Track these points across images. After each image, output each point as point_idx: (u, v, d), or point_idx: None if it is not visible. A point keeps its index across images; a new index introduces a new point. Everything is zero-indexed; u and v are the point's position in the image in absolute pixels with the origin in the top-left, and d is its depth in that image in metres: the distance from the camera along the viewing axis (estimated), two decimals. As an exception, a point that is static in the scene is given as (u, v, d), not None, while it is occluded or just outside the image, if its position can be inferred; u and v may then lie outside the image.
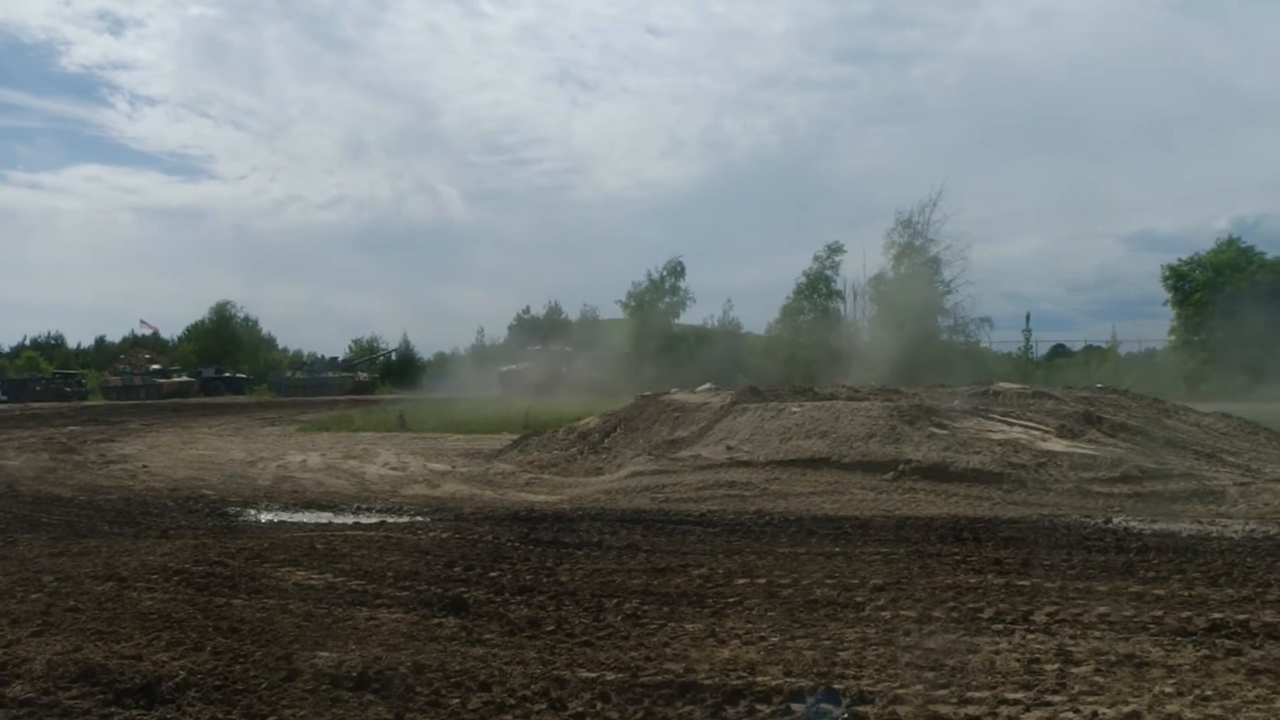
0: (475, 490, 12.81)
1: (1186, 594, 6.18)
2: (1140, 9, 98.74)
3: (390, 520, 9.97)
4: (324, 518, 10.47)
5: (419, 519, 10.01)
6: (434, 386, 51.28)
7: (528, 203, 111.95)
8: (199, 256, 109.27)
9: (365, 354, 66.62)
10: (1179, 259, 49.59)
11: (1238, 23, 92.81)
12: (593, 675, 4.66)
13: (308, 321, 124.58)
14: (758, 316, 68.48)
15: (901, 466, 11.91)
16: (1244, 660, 4.78)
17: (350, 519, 10.31)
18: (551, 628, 5.60)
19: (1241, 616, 5.56)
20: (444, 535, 8.68)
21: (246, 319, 73.50)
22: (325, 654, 4.98)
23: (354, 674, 4.64)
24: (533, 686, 4.52)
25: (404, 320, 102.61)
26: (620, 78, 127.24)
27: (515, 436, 18.27)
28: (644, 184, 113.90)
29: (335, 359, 61.02)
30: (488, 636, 5.43)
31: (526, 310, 64.47)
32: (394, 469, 15.09)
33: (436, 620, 5.77)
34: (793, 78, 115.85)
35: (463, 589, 6.55)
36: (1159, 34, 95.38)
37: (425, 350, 70.93)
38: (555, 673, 4.71)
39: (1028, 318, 54.91)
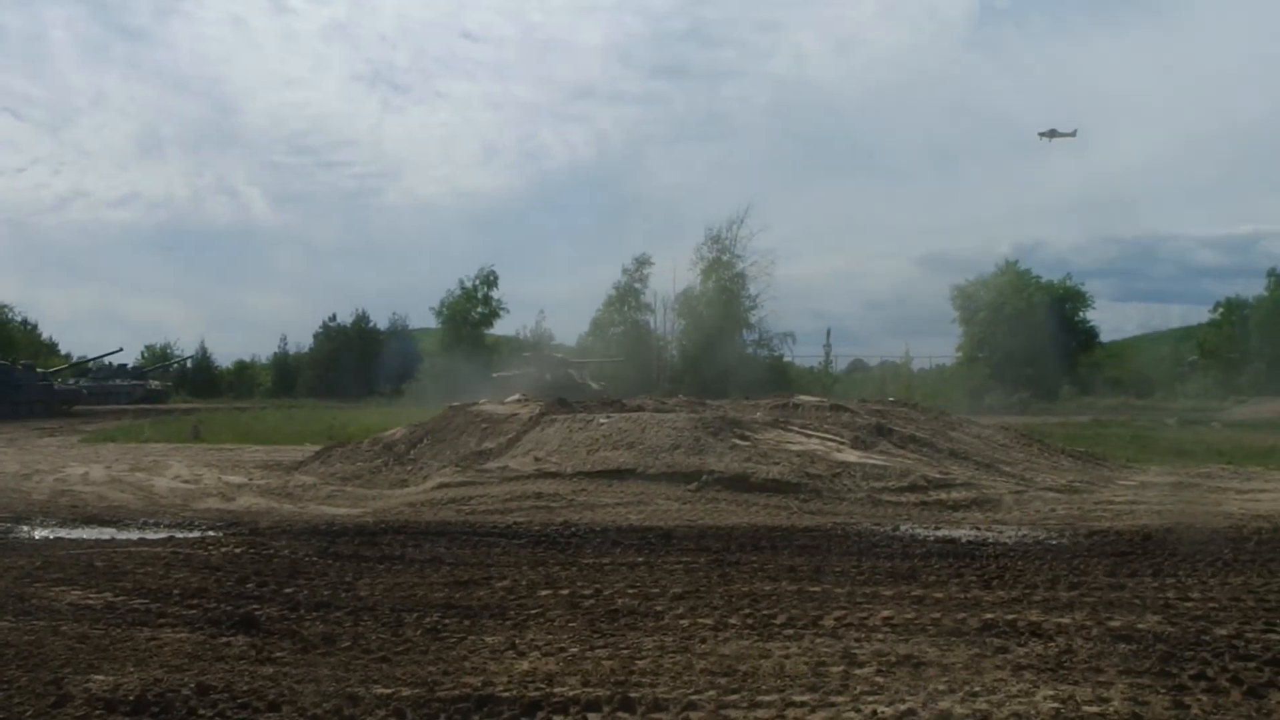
0: (273, 503, 12.37)
1: (963, 596, 6.56)
2: (934, 42, 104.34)
3: (179, 535, 9.51)
4: (106, 534, 9.89)
5: (211, 534, 9.59)
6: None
7: (336, 206, 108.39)
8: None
9: (158, 361, 63.21)
10: (966, 280, 52.68)
11: (1018, 60, 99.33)
12: (388, 691, 4.58)
13: (94, 326, 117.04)
14: (570, 328, 68.76)
15: (705, 477, 12.17)
16: (1010, 657, 5.11)
17: (135, 534, 9.79)
18: (347, 644, 5.47)
19: (1010, 616, 5.94)
20: (237, 550, 8.34)
21: (24, 322, 68.55)
22: (100, 677, 4.71)
23: (131, 698, 4.41)
24: (325, 705, 4.40)
25: (201, 326, 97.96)
26: (434, 82, 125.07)
27: (318, 448, 17.73)
28: (457, 191, 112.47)
29: (124, 366, 57.57)
30: (279, 654, 5.26)
31: (333, 318, 62.54)
32: (186, 482, 14.39)
33: (225, 639, 5.55)
34: (608, 90, 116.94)
35: (255, 606, 6.33)
36: (951, 67, 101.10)
37: (224, 358, 67.83)
38: (349, 690, 4.59)
39: (828, 333, 57.10)
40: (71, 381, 40.29)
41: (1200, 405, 40.02)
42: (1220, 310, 52.88)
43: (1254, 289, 51.97)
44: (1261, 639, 5.46)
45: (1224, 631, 5.61)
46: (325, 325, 61.99)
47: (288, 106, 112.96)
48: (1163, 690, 4.56)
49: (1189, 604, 6.34)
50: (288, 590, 6.80)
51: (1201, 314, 55.80)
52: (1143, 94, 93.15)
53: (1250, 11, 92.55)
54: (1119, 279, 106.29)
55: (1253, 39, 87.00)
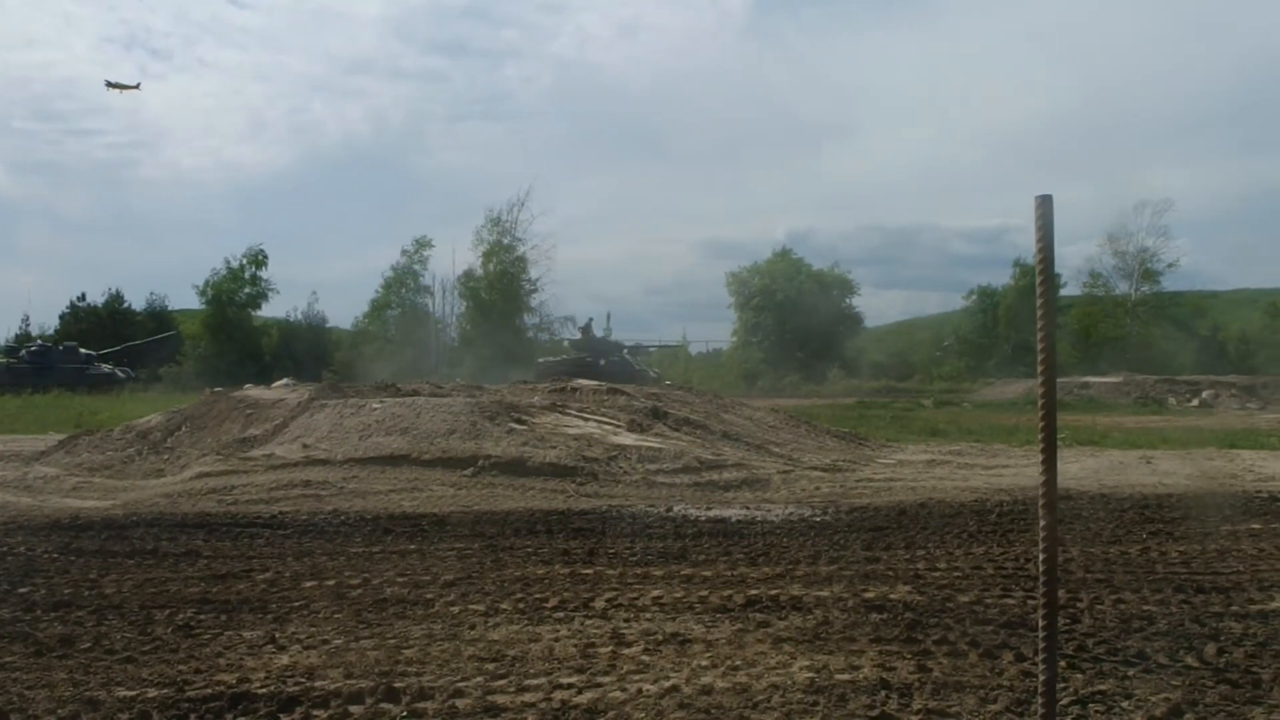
0: (9, 497, 11.41)
1: (730, 574, 6.74)
2: (717, 31, 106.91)
3: (-103, 534, 8.66)
4: None
5: (-65, 532, 8.77)
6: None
7: (87, 178, 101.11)
8: None
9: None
10: (741, 266, 54.43)
11: (798, 53, 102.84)
12: (132, 693, 4.29)
13: None
14: (346, 311, 66.82)
15: (481, 462, 12.06)
16: (771, 631, 5.28)
17: None
18: (88, 645, 5.09)
19: (774, 592, 6.15)
20: (-36, 549, 7.67)
21: None
22: None
23: None
24: (60, 711, 4.09)
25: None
26: (197, 49, 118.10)
27: (63, 437, 16.52)
28: (223, 165, 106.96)
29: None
30: (9, 659, 4.84)
31: (82, 297, 58.26)
32: (-92, 476, 13.13)
33: (-55, 646, 5.07)
34: (385, 66, 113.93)
35: (-17, 608, 5.82)
36: (732, 57, 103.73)
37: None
38: (88, 694, 4.28)
39: (608, 317, 57.85)
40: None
41: (954, 387, 42.92)
42: (973, 298, 56.75)
43: (1002, 278, 56.11)
44: (999, 604, 5.85)
45: (966, 598, 5.98)
46: (74, 305, 57.73)
47: (31, 68, 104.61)
48: (909, 656, 4.82)
49: (936, 574, 6.73)
50: (22, 590, 6.29)
51: (956, 301, 59.73)
52: (908, 91, 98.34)
53: (1008, 19, 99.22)
54: (882, 267, 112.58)
55: (1010, 45, 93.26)
